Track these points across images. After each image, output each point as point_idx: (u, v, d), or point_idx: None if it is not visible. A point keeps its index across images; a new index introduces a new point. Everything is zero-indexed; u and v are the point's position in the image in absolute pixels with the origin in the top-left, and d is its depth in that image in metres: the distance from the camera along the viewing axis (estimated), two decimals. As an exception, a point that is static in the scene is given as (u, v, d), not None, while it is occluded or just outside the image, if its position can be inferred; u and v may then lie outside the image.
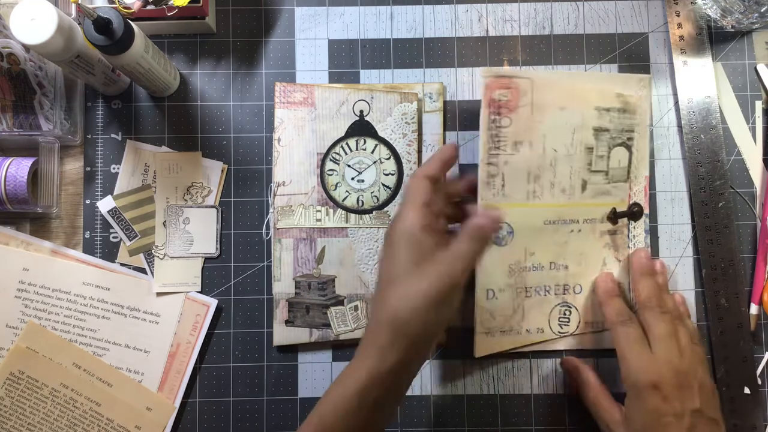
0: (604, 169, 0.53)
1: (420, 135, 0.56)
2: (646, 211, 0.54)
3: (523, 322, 0.53)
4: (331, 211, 0.55)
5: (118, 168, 0.56)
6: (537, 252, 0.53)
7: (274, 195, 0.55)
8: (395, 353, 0.40)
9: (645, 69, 0.57)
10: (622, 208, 0.54)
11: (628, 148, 0.53)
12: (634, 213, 0.54)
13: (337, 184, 0.55)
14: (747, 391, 0.53)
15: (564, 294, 0.54)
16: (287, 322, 0.54)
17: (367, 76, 0.57)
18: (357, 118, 0.55)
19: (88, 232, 0.56)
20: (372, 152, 0.55)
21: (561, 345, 0.54)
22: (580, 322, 0.54)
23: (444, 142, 0.56)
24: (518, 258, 0.52)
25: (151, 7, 0.53)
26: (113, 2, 0.54)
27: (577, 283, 0.54)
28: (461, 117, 0.57)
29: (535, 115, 0.50)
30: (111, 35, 0.45)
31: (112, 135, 0.57)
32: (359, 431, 0.40)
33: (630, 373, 0.46)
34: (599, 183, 0.53)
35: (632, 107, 0.53)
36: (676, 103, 0.56)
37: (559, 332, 0.54)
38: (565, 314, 0.54)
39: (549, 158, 0.51)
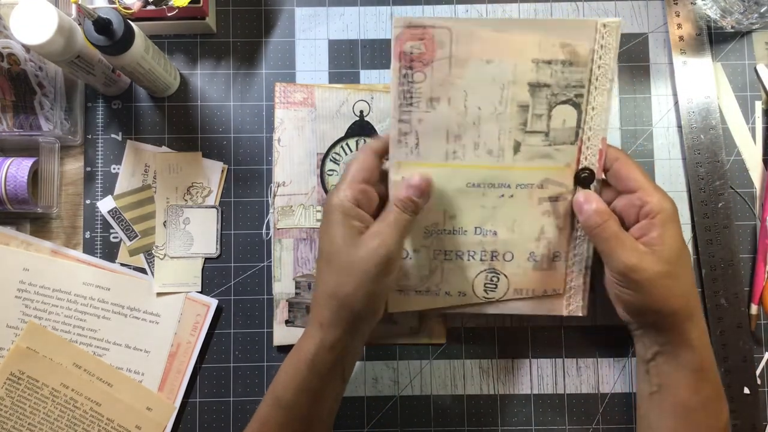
0: (544, 130, 0.47)
1: (420, 135, 0.56)
2: (600, 176, 0.48)
3: (442, 284, 0.51)
4: (331, 211, 0.55)
5: (118, 168, 0.56)
6: (458, 215, 0.49)
7: (274, 195, 0.55)
8: (338, 327, 0.43)
9: (645, 69, 0.57)
10: (567, 174, 0.48)
11: (577, 106, 0.46)
12: (582, 179, 0.47)
13: (337, 184, 0.55)
14: (747, 391, 0.53)
15: (492, 260, 0.50)
16: (287, 322, 0.54)
17: (367, 76, 0.57)
18: (357, 119, 0.56)
19: (89, 233, 0.56)
20: (372, 152, 0.55)
21: (488, 309, 0.52)
22: (509, 289, 0.51)
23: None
24: (436, 220, 0.49)
25: (151, 7, 0.53)
26: (113, 3, 0.54)
27: (507, 251, 0.50)
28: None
29: (454, 69, 0.45)
30: (111, 36, 0.45)
31: (113, 135, 0.57)
32: (311, 398, 0.44)
33: (653, 205, 0.44)
34: (537, 145, 0.47)
35: (582, 59, 0.45)
36: (676, 103, 0.57)
37: (484, 297, 0.51)
38: (492, 281, 0.50)
39: (472, 117, 0.46)
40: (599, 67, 0.46)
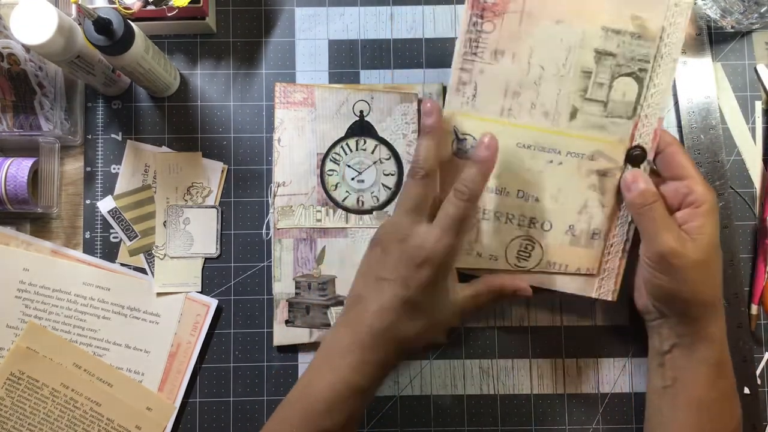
0: (603, 100, 0.47)
1: (420, 135, 0.56)
2: (651, 156, 0.47)
3: (475, 244, 0.49)
4: (331, 211, 0.55)
5: (118, 168, 0.56)
6: (503, 175, 0.48)
7: (274, 195, 0.55)
8: (397, 364, 0.45)
9: (645, 69, 0.57)
10: (619, 150, 0.47)
11: (639, 80, 0.46)
12: (633, 157, 0.47)
13: (337, 184, 0.55)
14: (747, 391, 0.53)
15: (529, 227, 0.49)
16: (287, 322, 0.54)
17: (367, 76, 0.57)
18: (357, 119, 0.56)
19: (89, 233, 0.56)
20: (372, 152, 0.55)
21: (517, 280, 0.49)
22: (542, 259, 0.49)
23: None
24: None
25: (151, 7, 0.53)
26: (113, 3, 0.54)
27: (547, 220, 0.49)
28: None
29: (524, 25, 0.46)
30: (111, 36, 0.45)
31: (113, 135, 0.57)
32: (356, 422, 0.44)
33: (699, 195, 0.44)
34: (594, 114, 0.47)
35: (651, 34, 0.46)
36: (676, 103, 0.56)
37: (516, 265, 0.50)
38: (526, 248, 0.49)
39: (533, 75, 0.47)
40: (666, 45, 0.46)
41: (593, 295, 0.50)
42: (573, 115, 0.47)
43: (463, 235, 0.44)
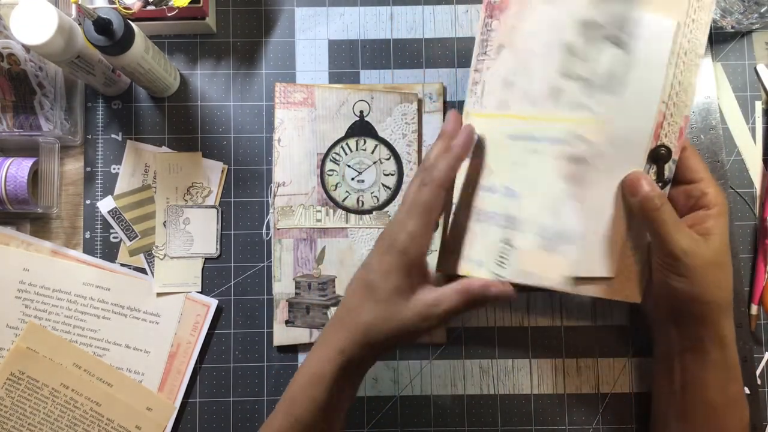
0: (587, 77, 0.43)
1: (420, 135, 0.56)
2: (676, 156, 0.43)
3: (464, 247, 0.46)
4: (331, 211, 0.55)
5: (118, 168, 0.56)
6: (495, 171, 0.45)
7: (274, 195, 0.55)
8: (361, 356, 0.43)
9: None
10: (602, 130, 0.43)
11: (622, 45, 0.42)
12: (658, 156, 0.43)
13: (337, 184, 0.55)
14: (747, 391, 0.53)
15: (506, 227, 0.44)
16: (287, 323, 0.54)
17: (367, 76, 0.57)
18: (357, 119, 0.56)
19: (89, 233, 0.56)
20: (372, 152, 0.55)
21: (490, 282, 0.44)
22: (517, 267, 0.44)
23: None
24: (476, 172, 0.46)
25: (151, 7, 0.53)
26: (113, 3, 0.54)
27: (521, 219, 0.44)
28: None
29: (519, 14, 0.45)
30: (111, 36, 0.45)
31: (113, 135, 0.57)
32: (331, 415, 0.44)
33: (711, 197, 0.44)
34: (577, 93, 0.43)
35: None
36: (676, 103, 0.56)
37: (495, 273, 0.44)
38: (503, 253, 0.44)
39: (524, 62, 0.45)
40: (689, 41, 0.43)
41: (617, 297, 0.45)
42: (556, 97, 0.44)
43: (429, 222, 0.42)
